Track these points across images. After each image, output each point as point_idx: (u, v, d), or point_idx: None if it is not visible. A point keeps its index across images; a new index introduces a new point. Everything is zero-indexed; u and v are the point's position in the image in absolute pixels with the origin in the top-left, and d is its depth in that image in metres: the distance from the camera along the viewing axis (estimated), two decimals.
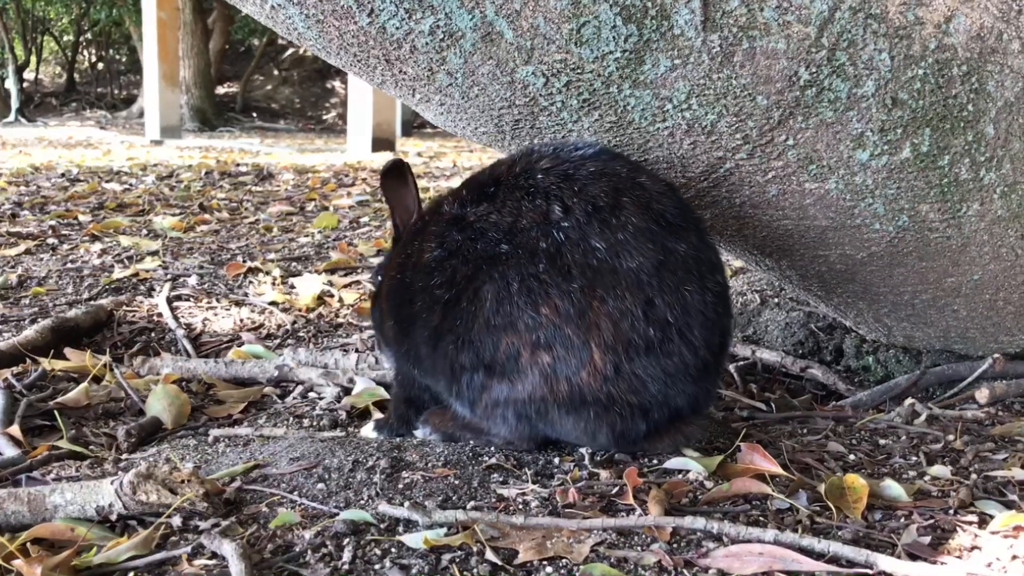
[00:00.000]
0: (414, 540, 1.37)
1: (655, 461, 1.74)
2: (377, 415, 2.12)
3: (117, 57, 26.29)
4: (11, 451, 1.81)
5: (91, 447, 1.92)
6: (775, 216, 2.04)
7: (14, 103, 19.25)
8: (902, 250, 2.07)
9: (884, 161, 1.91)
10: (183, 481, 1.52)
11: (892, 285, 2.18)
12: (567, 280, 1.60)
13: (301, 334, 2.70)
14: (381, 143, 11.32)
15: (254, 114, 22.33)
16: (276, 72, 25.53)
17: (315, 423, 2.08)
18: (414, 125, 19.06)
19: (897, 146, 1.90)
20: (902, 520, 1.48)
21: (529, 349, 1.63)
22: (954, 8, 1.84)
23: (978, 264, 2.10)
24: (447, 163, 9.66)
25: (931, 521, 1.46)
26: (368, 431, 1.96)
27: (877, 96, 1.84)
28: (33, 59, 24.11)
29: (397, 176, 1.93)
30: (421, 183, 7.02)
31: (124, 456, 1.87)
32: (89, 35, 25.42)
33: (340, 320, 2.82)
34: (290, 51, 25.71)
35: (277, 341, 2.64)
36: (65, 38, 25.15)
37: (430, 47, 1.79)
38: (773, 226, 2.06)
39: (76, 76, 25.63)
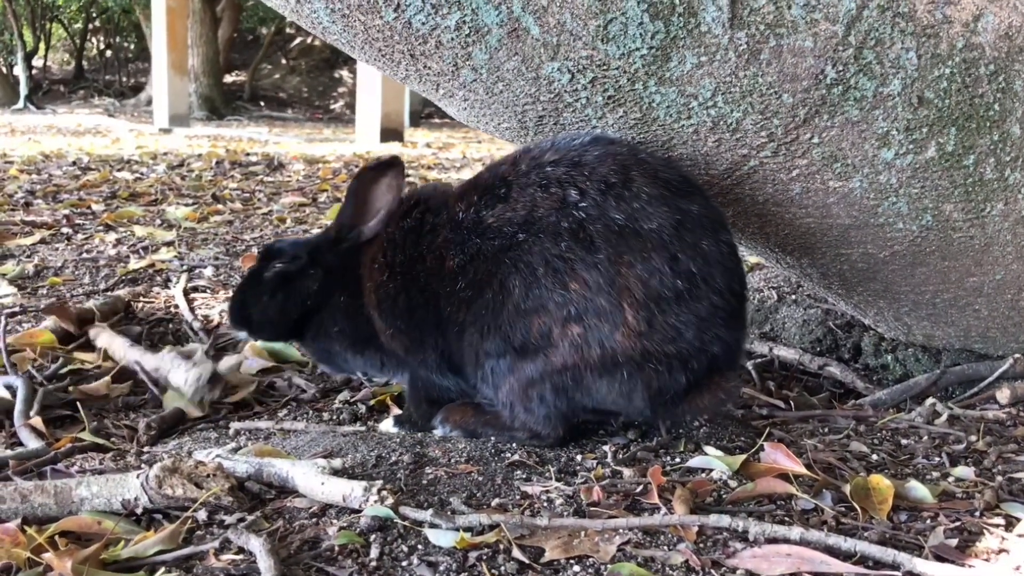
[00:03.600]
0: (442, 538, 1.37)
1: (677, 459, 1.74)
2: (396, 410, 2.12)
3: (125, 45, 26.29)
4: (34, 442, 1.82)
5: (112, 439, 1.93)
6: (798, 214, 2.03)
7: (23, 90, 19.27)
8: (925, 249, 2.06)
9: (909, 160, 1.91)
10: (209, 475, 1.53)
11: (914, 284, 2.17)
12: (592, 252, 1.66)
13: None
14: (389, 133, 11.33)
15: (262, 103, 22.33)
16: (284, 61, 25.53)
17: (335, 417, 2.08)
18: (422, 115, 19.06)
19: (922, 145, 1.89)
20: (928, 522, 1.47)
21: (560, 325, 1.68)
22: (982, 7, 1.82)
23: (1001, 264, 2.09)
24: (456, 154, 9.64)
25: (957, 523, 1.46)
26: (388, 426, 1.96)
27: (903, 95, 1.83)
28: (42, 46, 24.12)
29: (392, 176, 1.89)
30: (431, 174, 7.01)
31: (146, 448, 1.87)
32: (97, 22, 25.41)
33: None
34: (298, 40, 25.69)
35: None
36: (74, 25, 25.14)
37: (456, 42, 1.78)
38: (795, 224, 2.06)
39: (84, 63, 25.65)
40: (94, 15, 24.61)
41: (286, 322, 1.99)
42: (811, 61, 1.78)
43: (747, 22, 1.74)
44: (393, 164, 1.90)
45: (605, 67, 1.78)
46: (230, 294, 2.94)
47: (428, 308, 1.82)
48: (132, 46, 26.26)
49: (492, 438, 1.82)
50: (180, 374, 2.10)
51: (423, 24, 1.76)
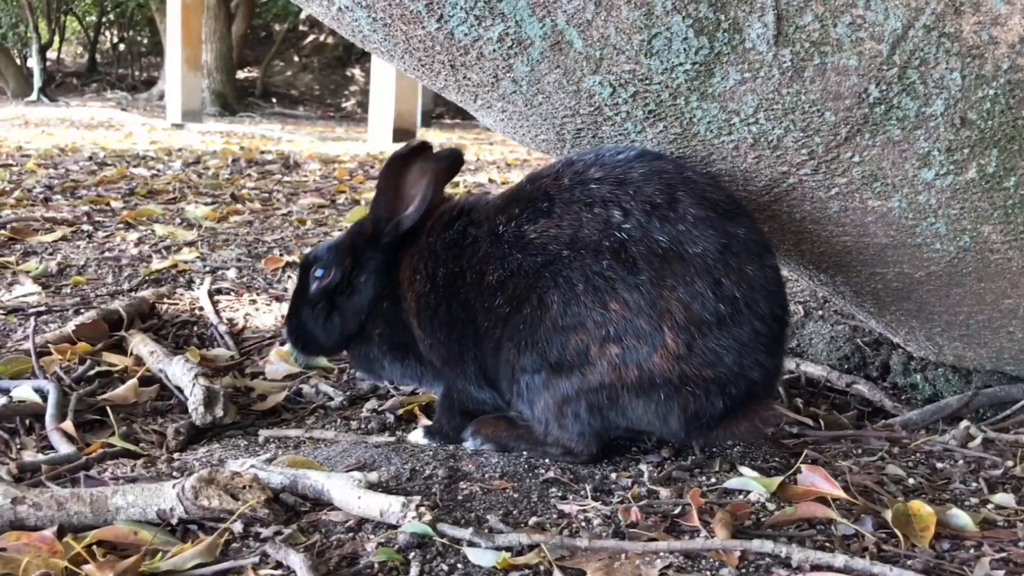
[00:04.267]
0: (483, 558, 1.35)
1: (713, 480, 1.72)
2: (424, 420, 2.11)
3: (139, 39, 26.34)
4: (65, 447, 1.81)
5: (141, 444, 1.92)
6: (835, 232, 2.01)
7: (36, 82, 19.29)
8: (961, 270, 2.04)
9: (949, 181, 1.89)
10: (244, 487, 1.52)
11: (948, 305, 2.15)
12: (634, 273, 1.64)
13: None
14: (402, 133, 11.33)
15: (273, 100, 22.35)
16: (296, 58, 25.55)
17: (363, 426, 2.07)
18: (433, 115, 19.06)
19: (963, 166, 1.87)
20: (972, 551, 1.46)
21: (598, 344, 1.66)
22: None
23: None
24: (470, 156, 9.63)
25: (1003, 554, 1.44)
26: (418, 437, 1.95)
27: (946, 115, 1.82)
28: (56, 39, 24.17)
29: (422, 160, 1.87)
30: None
31: (176, 455, 1.86)
32: (112, 16, 25.48)
33: None
34: (311, 37, 25.72)
35: None
36: (88, 18, 25.20)
37: (497, 54, 1.77)
38: (832, 242, 2.04)
39: (98, 57, 25.70)
40: (108, 9, 24.66)
41: (349, 335, 1.97)
42: (855, 80, 1.77)
43: (792, 39, 1.72)
44: (422, 149, 1.86)
45: (647, 81, 1.76)
46: (254, 296, 2.94)
47: (467, 322, 1.81)
48: (145, 40, 26.31)
49: (524, 453, 1.81)
50: (189, 390, 2.08)
51: (465, 35, 1.75)
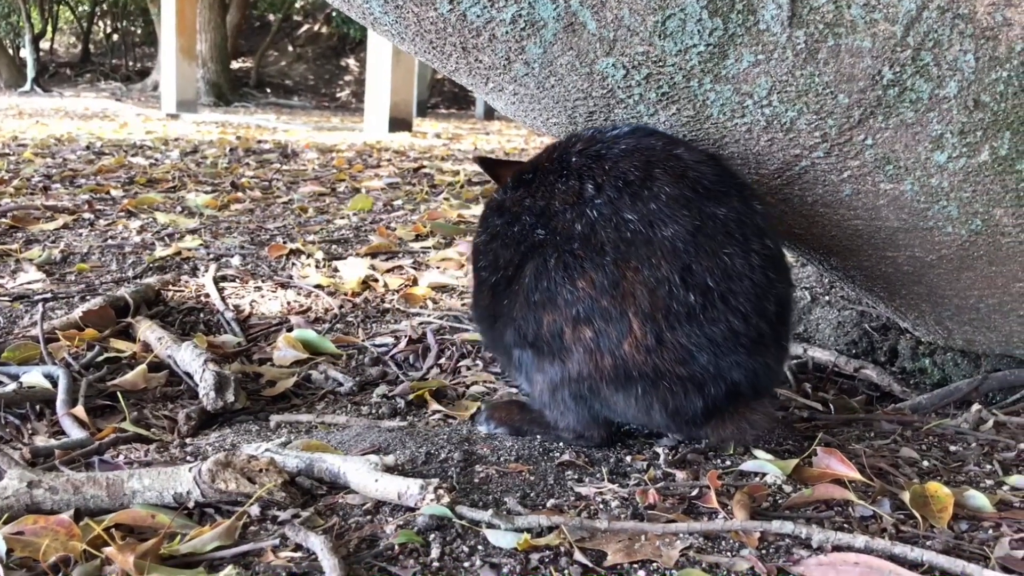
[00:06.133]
0: (503, 540, 1.35)
1: (728, 463, 1.72)
2: (435, 405, 2.10)
3: (132, 29, 26.21)
4: (77, 432, 1.80)
5: (153, 430, 1.91)
6: (846, 216, 2.01)
7: (30, 72, 19.20)
8: (972, 254, 2.04)
9: (961, 164, 1.89)
10: (261, 470, 1.51)
11: (959, 288, 2.15)
12: (601, 254, 1.60)
13: (350, 319, 2.68)
14: (398, 123, 11.31)
15: (268, 90, 22.27)
16: (291, 48, 25.45)
17: (374, 411, 2.06)
18: (428, 105, 19.03)
19: (976, 149, 1.87)
20: (990, 532, 1.46)
21: (571, 325, 1.61)
22: None
23: None
24: (467, 145, 9.61)
25: (1021, 534, 1.44)
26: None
27: (959, 98, 1.81)
28: (49, 29, 24.03)
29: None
30: (446, 165, 6.99)
31: (188, 440, 1.86)
32: (104, 6, 25.34)
33: (387, 305, 2.80)
34: (305, 27, 25.62)
35: (326, 325, 2.62)
36: (81, 8, 25.06)
37: (510, 36, 1.76)
38: (843, 226, 2.04)
39: (91, 47, 25.57)
40: None
41: None
42: (868, 62, 1.76)
43: (806, 21, 1.72)
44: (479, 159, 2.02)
45: (661, 63, 1.76)
46: (259, 284, 2.93)
47: (472, 280, 1.88)
48: (139, 30, 26.17)
49: (538, 436, 1.81)
50: (199, 376, 2.08)
51: (478, 17, 1.74)
